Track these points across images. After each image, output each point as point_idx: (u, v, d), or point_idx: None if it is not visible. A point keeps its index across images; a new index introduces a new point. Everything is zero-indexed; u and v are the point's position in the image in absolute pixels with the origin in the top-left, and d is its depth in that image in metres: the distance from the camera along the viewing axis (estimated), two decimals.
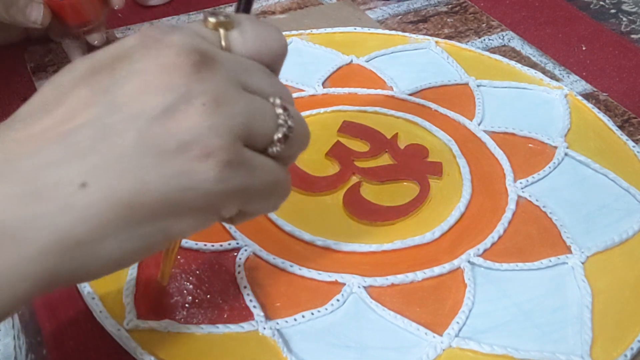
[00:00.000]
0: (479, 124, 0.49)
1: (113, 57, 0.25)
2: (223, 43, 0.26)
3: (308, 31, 0.57)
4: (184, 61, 0.24)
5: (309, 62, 0.54)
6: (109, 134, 0.23)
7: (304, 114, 0.48)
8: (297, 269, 0.37)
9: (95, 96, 0.24)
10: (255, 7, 0.62)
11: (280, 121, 0.26)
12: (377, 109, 0.49)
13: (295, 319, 0.35)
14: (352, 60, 0.54)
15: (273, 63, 0.28)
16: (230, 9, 0.62)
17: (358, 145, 0.46)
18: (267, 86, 0.27)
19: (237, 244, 0.39)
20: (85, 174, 0.23)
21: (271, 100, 0.26)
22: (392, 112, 0.49)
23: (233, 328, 0.34)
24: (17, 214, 0.22)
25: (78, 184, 0.22)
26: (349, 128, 0.47)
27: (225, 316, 0.35)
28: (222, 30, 0.27)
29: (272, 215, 0.40)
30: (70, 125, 0.23)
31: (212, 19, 0.26)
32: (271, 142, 0.26)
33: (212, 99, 0.24)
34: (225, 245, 0.38)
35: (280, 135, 0.26)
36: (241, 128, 0.25)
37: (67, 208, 0.22)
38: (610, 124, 0.49)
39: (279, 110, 0.26)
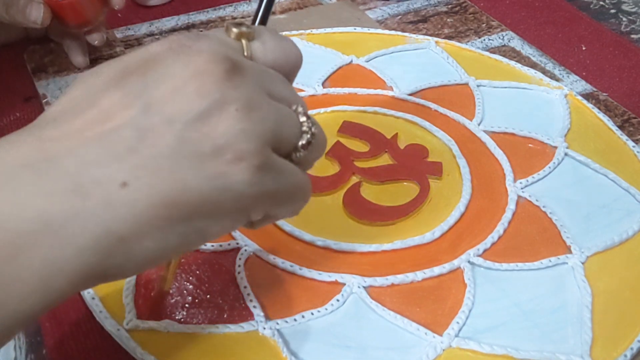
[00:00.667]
0: (479, 124, 0.49)
1: (142, 61, 0.25)
2: (246, 52, 0.27)
3: (308, 31, 0.57)
4: (216, 68, 0.25)
5: (309, 62, 0.53)
6: (147, 136, 0.24)
7: None
8: (297, 269, 0.37)
9: (129, 98, 0.24)
10: (255, 7, 0.62)
11: (305, 128, 0.28)
12: (377, 109, 0.49)
13: (295, 319, 0.35)
14: (352, 60, 0.54)
15: (289, 73, 0.29)
16: (230, 9, 0.62)
17: (358, 145, 0.46)
18: (288, 94, 0.28)
19: (237, 244, 0.39)
20: (126, 174, 0.23)
21: (293, 107, 0.28)
22: (392, 112, 0.49)
23: (233, 328, 0.34)
24: (60, 210, 0.22)
25: (119, 183, 0.23)
26: (349, 128, 0.47)
27: (225, 316, 0.35)
28: (244, 41, 0.28)
29: None
30: (108, 126, 0.24)
31: (235, 30, 0.27)
32: (295, 148, 0.28)
33: (244, 105, 0.25)
34: (225, 245, 0.38)
35: (304, 141, 0.27)
36: (270, 134, 0.25)
37: (109, 205, 0.23)
38: (610, 124, 0.49)
39: (303, 118, 0.28)
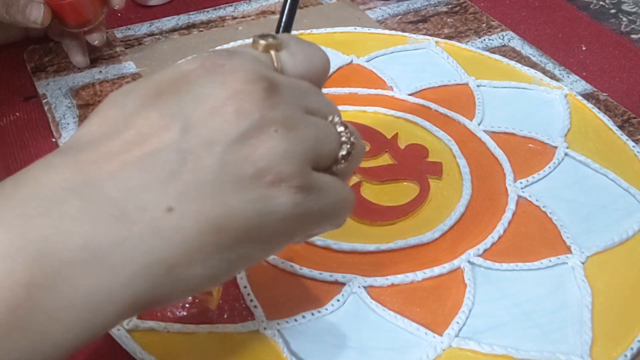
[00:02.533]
0: (479, 124, 0.49)
1: (174, 79, 0.25)
2: (276, 64, 0.27)
3: (308, 31, 0.57)
4: (254, 88, 0.24)
5: None
6: (188, 160, 0.23)
7: None
8: (297, 269, 0.37)
9: (166, 119, 0.24)
10: (255, 6, 0.62)
11: (344, 139, 0.27)
12: (377, 109, 0.49)
13: (295, 319, 0.35)
14: (352, 60, 0.54)
15: (319, 80, 0.29)
16: (230, 9, 0.62)
17: None
18: (323, 106, 0.27)
19: None
20: (171, 199, 0.23)
21: (330, 119, 0.27)
22: (392, 112, 0.49)
23: (233, 328, 0.34)
24: (106, 237, 0.22)
25: (165, 209, 0.23)
26: None
27: (225, 316, 0.35)
28: (273, 52, 0.27)
29: None
30: (147, 148, 0.23)
31: (262, 42, 0.27)
32: (335, 161, 0.27)
33: (283, 126, 0.24)
34: None
35: (344, 152, 0.27)
36: (310, 152, 0.25)
37: (156, 232, 0.22)
38: (610, 124, 0.49)
39: (340, 129, 0.27)
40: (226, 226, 0.23)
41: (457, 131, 0.48)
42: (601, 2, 0.66)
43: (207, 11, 0.61)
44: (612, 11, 0.65)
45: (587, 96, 0.52)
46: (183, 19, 0.60)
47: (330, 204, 0.27)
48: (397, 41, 0.57)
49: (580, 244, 0.40)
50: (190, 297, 0.35)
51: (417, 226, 0.41)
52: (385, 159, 0.46)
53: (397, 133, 0.47)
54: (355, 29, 0.58)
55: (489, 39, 0.59)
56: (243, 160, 0.24)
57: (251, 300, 0.35)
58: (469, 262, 0.39)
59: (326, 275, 0.37)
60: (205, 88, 0.24)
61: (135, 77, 0.53)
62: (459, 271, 0.38)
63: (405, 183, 0.44)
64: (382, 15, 0.62)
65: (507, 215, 0.42)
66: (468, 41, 0.59)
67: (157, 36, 0.58)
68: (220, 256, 0.24)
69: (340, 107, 0.48)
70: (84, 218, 0.22)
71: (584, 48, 0.59)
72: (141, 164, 0.23)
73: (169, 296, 0.24)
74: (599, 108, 0.51)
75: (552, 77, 0.54)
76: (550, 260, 0.39)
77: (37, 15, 0.48)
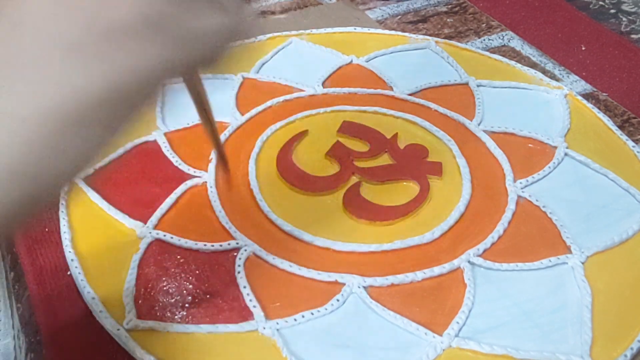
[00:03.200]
0: (478, 124, 0.49)
1: None
2: None
3: (308, 31, 0.57)
4: None
5: (309, 62, 0.54)
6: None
7: (304, 113, 0.49)
8: (297, 269, 0.37)
9: None
10: (255, 7, 0.62)
11: None
12: (377, 109, 0.49)
13: (295, 319, 0.35)
14: (352, 60, 0.54)
15: None
16: None
17: (358, 145, 0.46)
18: None
19: (237, 244, 0.39)
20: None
21: None
22: (392, 112, 0.49)
23: (233, 328, 0.34)
24: None
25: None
26: (349, 128, 0.47)
27: (225, 316, 0.35)
28: None
29: (272, 215, 0.40)
30: None
31: None
32: None
33: None
34: (225, 245, 0.38)
35: None
36: None
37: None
38: (610, 124, 0.49)
39: None
40: (73, 105, 0.22)
41: (457, 131, 0.48)
42: (601, 2, 0.66)
43: None
44: (612, 11, 0.65)
45: (587, 96, 0.52)
46: None
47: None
48: (397, 41, 0.57)
49: (580, 244, 0.40)
50: (190, 297, 0.35)
51: (417, 226, 0.41)
52: (385, 159, 0.46)
53: (396, 133, 0.47)
54: (355, 29, 0.58)
55: (489, 39, 0.59)
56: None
57: (250, 300, 0.35)
58: (469, 262, 0.39)
59: (325, 275, 0.37)
60: None
61: None
62: (459, 271, 0.38)
63: (405, 183, 0.44)
64: (382, 15, 0.62)
65: (507, 215, 0.42)
66: (468, 41, 0.59)
67: None
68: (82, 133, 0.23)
69: (340, 107, 0.49)
70: None
71: (583, 48, 0.59)
72: None
73: (51, 188, 0.23)
74: (599, 108, 0.51)
75: (552, 77, 0.54)
76: (550, 260, 0.39)
77: None
